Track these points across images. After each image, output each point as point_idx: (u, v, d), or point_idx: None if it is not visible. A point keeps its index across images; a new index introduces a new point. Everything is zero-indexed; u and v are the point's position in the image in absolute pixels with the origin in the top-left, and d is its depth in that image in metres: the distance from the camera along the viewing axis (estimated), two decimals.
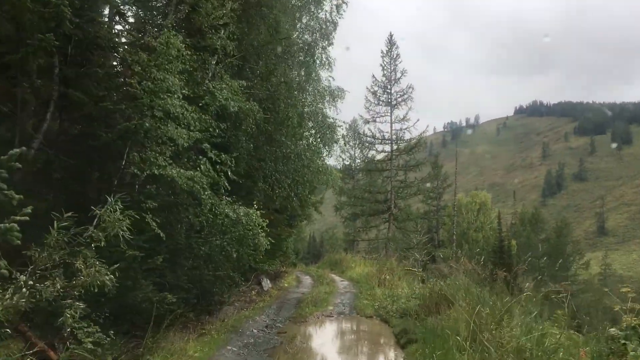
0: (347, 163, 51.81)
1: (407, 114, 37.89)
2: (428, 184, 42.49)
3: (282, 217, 19.93)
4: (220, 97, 11.18)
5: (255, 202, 12.12)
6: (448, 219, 51.41)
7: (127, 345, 8.42)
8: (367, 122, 38.80)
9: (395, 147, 38.50)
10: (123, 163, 8.75)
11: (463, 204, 52.39)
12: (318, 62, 20.98)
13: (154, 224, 8.18)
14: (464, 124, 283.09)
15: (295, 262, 60.72)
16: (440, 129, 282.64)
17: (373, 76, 38.43)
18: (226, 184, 10.63)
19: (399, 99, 38.12)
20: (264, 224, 11.39)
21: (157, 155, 8.70)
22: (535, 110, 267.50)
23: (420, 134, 37.79)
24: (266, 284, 18.91)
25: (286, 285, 21.35)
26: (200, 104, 10.69)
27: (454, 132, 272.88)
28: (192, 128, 9.50)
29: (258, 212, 11.26)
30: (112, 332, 6.97)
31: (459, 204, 50.58)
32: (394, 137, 38.43)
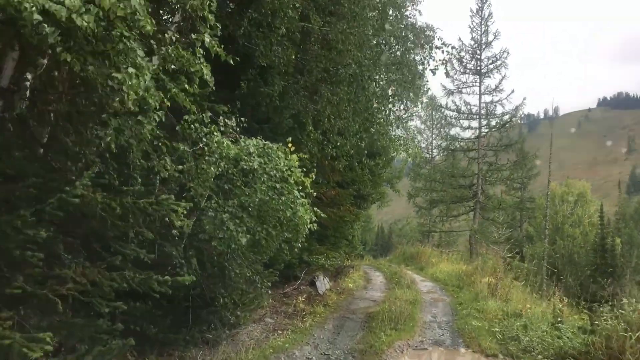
0: (423, 145, 45.55)
1: (499, 83, 31.18)
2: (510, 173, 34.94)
3: (346, 193, 14.26)
4: None
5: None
6: (538, 212, 43.96)
7: None
8: (450, 93, 32.25)
9: (484, 122, 31.86)
10: None
11: (557, 194, 44.60)
12: None
13: None
14: (542, 115, 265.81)
15: (363, 254, 55.17)
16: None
17: (459, 39, 31.87)
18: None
19: (490, 66, 31.41)
20: (306, 181, 5.79)
21: None
22: (621, 102, 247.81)
23: (516, 107, 30.95)
24: (322, 284, 13.32)
25: (351, 286, 15.59)
26: None
27: (530, 125, 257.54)
28: None
29: (293, 155, 5.64)
30: None
31: (552, 194, 43.02)
32: (483, 111, 31.80)
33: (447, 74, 22.85)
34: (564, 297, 12.14)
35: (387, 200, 27.64)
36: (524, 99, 31.35)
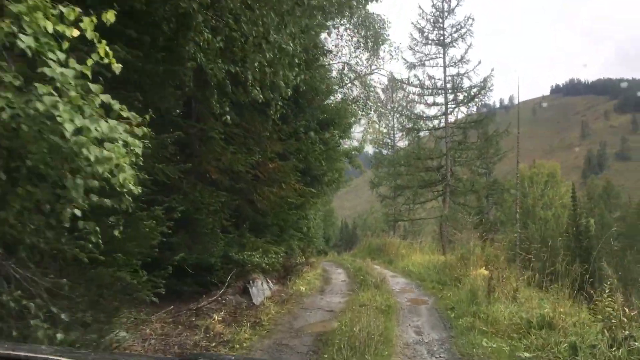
0: (385, 131, 42.13)
1: (465, 53, 27.93)
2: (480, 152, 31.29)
3: (289, 167, 10.48)
4: None
5: None
6: (508, 195, 41.11)
7: None
8: (412, 66, 28.76)
9: (451, 97, 28.55)
10: None
11: (526, 176, 41.83)
12: None
13: None
14: (497, 105, 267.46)
15: (327, 251, 51.38)
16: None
17: (419, 7, 28.37)
18: None
19: (455, 35, 28.12)
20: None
21: None
22: (572, 89, 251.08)
23: (484, 79, 27.70)
24: (260, 292, 9.54)
25: (302, 289, 11.77)
26: None
27: (486, 114, 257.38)
28: None
29: None
30: None
31: (522, 177, 40.24)
32: (448, 85, 28.47)
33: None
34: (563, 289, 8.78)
35: (346, 181, 24.05)
36: (492, 70, 27.96)
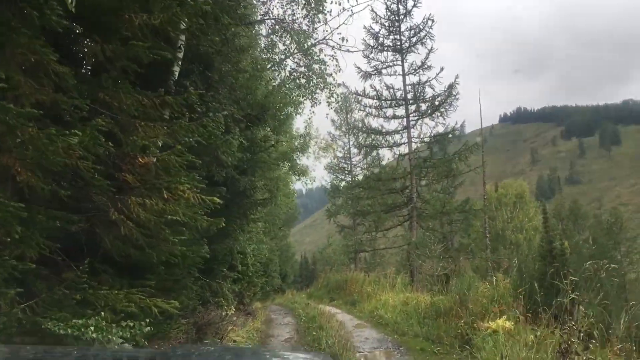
0: (340, 155, 38.16)
1: (426, 59, 24.35)
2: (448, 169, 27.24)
3: (181, 163, 6.03)
4: None
5: None
6: (474, 219, 37.46)
7: None
8: (367, 76, 24.95)
9: (412, 109, 24.82)
10: None
11: (493, 197, 38.39)
12: None
13: None
14: (442, 140, 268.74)
15: (284, 289, 46.42)
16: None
17: (372, 10, 24.74)
18: None
19: (413, 39, 24.62)
20: None
21: None
22: (520, 117, 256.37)
23: (449, 86, 24.08)
24: None
25: None
26: None
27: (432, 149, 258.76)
28: None
29: None
30: None
31: (489, 198, 36.75)
32: (409, 95, 24.75)
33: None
34: None
35: (290, 194, 19.85)
36: (457, 77, 24.31)
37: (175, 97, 6.30)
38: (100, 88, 6.08)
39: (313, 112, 12.14)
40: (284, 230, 50.38)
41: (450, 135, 24.73)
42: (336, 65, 10.81)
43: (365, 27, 24.51)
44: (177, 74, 7.98)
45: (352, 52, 10.45)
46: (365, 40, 24.66)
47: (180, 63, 8.02)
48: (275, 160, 9.76)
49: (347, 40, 10.36)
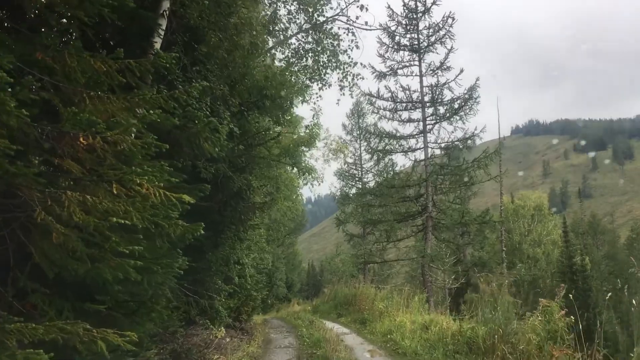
0: (351, 161, 36.46)
1: (445, 59, 22.67)
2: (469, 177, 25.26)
3: (145, 147, 4.43)
4: None
5: None
6: (490, 232, 35.58)
7: None
8: (382, 76, 23.31)
9: (429, 112, 23.17)
10: None
11: (509, 209, 36.54)
12: None
13: None
14: (460, 146, 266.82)
15: (290, 297, 44.81)
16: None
17: (388, 7, 23.13)
18: None
19: (432, 38, 22.97)
20: None
21: None
22: (532, 129, 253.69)
23: (470, 88, 22.39)
24: None
25: None
26: None
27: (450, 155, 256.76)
28: None
29: None
30: None
31: (506, 210, 34.91)
32: (426, 97, 23.10)
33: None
34: None
35: (297, 200, 18.07)
36: (477, 79, 22.64)
37: (139, 61, 4.71)
38: (40, 46, 4.54)
39: (320, 96, 10.38)
40: (291, 237, 48.80)
41: (469, 141, 22.94)
42: (352, 40, 9.19)
43: (380, 25, 22.81)
44: (158, 45, 6.41)
45: (370, 29, 8.81)
46: (379, 39, 23.10)
47: (162, 33, 6.45)
48: (277, 157, 8.14)
49: (366, 9, 8.71)
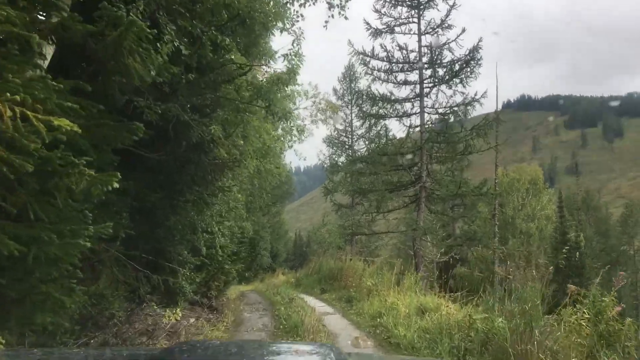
0: (341, 127, 34.64)
1: (447, 16, 20.70)
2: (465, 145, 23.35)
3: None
4: None
5: None
6: (483, 205, 34.13)
7: None
8: (378, 33, 21.36)
9: (428, 73, 21.33)
10: None
11: (503, 182, 35.02)
12: None
13: None
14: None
15: (275, 267, 43.58)
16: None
17: None
18: None
19: None
20: None
21: None
22: (523, 105, 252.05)
23: (472, 49, 20.52)
24: None
25: None
26: None
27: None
28: None
29: None
30: None
31: (501, 183, 33.39)
32: (425, 58, 21.21)
33: None
34: None
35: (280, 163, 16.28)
36: (480, 39, 20.77)
37: None
38: None
39: (301, 15, 8.42)
40: (277, 206, 47.10)
41: (468, 107, 21.15)
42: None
43: None
44: None
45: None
46: None
47: None
48: (248, 99, 6.40)
49: None
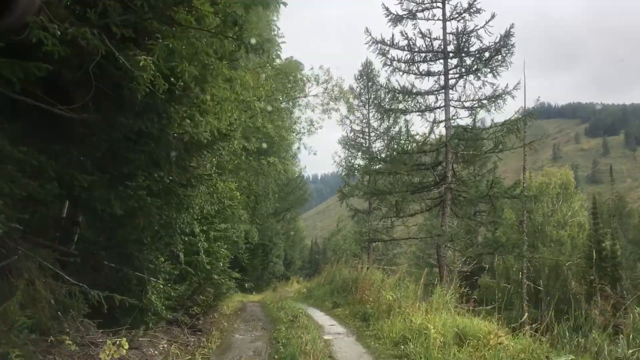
0: (358, 128, 32.42)
1: (475, 0, 18.51)
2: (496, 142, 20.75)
3: None
4: None
5: None
6: (510, 212, 31.64)
7: None
8: (398, 20, 19.07)
9: (454, 63, 19.07)
10: None
11: (532, 186, 32.41)
12: None
13: None
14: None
15: (288, 276, 41.88)
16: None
17: None
18: None
19: None
20: None
21: None
22: (543, 112, 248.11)
23: (504, 35, 18.22)
24: None
25: None
26: None
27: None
28: None
29: None
30: None
31: (529, 187, 30.85)
32: (450, 46, 18.95)
33: None
34: None
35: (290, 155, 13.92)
36: (512, 25, 18.51)
37: None
38: None
39: None
40: (292, 212, 44.97)
41: (499, 101, 18.82)
42: None
43: None
44: None
45: None
46: None
47: None
48: (215, 28, 4.22)
49: None
